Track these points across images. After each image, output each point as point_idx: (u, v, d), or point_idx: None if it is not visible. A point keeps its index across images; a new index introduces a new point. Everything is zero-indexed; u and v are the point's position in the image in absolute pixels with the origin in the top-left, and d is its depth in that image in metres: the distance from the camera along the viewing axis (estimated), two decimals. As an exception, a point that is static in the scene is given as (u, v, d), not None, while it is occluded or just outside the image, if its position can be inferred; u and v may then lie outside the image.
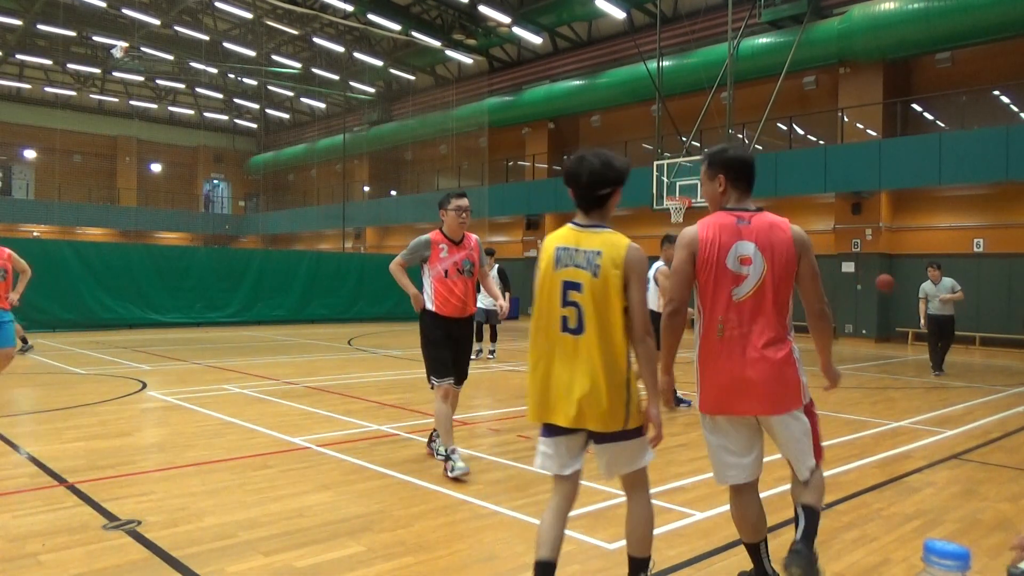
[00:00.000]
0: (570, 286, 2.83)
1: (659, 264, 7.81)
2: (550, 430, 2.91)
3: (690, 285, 3.09)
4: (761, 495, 4.61)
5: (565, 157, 28.95)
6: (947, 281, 11.74)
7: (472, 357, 12.06)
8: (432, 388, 5.25)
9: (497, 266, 12.55)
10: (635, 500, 3.01)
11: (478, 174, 31.01)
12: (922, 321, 11.82)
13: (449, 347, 5.24)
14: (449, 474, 4.93)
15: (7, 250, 7.18)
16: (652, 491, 4.75)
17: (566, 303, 2.83)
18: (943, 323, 11.72)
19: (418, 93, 34.48)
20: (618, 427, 2.84)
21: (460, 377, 5.36)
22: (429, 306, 5.24)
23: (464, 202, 5.43)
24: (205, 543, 3.69)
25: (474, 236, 5.53)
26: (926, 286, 11.82)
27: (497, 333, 13.26)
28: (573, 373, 2.79)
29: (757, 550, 3.15)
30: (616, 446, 2.93)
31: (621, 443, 2.91)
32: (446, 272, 5.27)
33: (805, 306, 3.13)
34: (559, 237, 2.92)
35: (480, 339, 12.87)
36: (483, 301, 12.16)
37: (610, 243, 2.81)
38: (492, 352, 13.03)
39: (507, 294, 12.25)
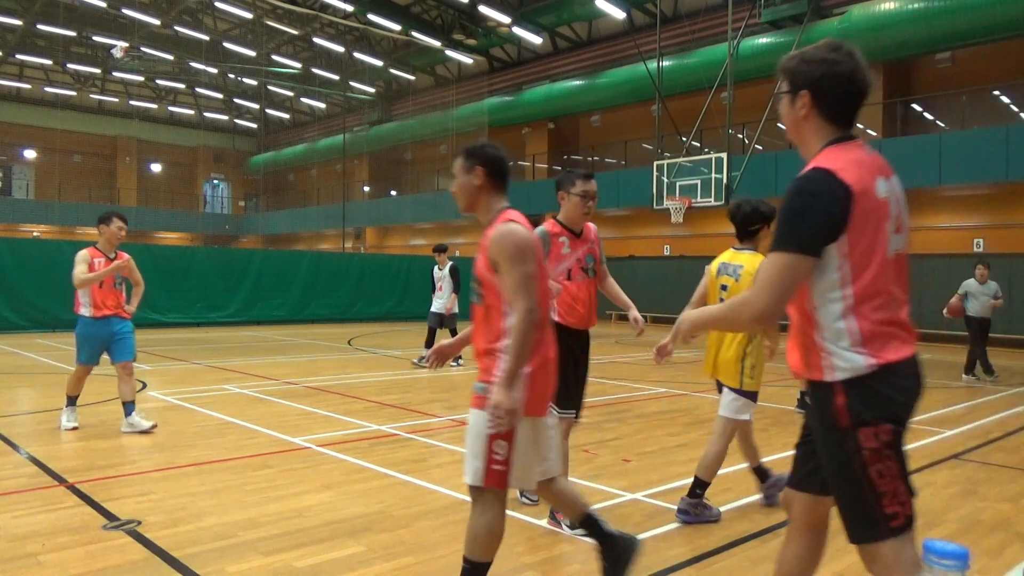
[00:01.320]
0: (723, 287, 4.39)
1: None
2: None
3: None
4: (761, 495, 4.64)
5: (565, 157, 29.04)
6: (993, 284, 11.21)
7: (414, 362, 11.69)
8: None
9: (450, 263, 11.70)
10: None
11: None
12: (945, 311, 11.08)
13: (572, 368, 4.06)
14: (565, 530, 3.98)
15: (127, 255, 6.53)
16: (651, 491, 4.77)
17: (720, 299, 4.34)
18: (986, 326, 11.21)
19: (418, 93, 34.49)
20: (734, 385, 4.28)
21: (580, 408, 4.23)
22: (554, 316, 3.99)
23: (592, 186, 4.16)
24: (205, 543, 3.69)
25: (593, 225, 4.33)
26: (970, 283, 11.22)
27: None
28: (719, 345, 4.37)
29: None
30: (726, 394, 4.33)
31: (729, 393, 4.30)
32: (569, 273, 4.14)
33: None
34: (723, 255, 4.48)
35: (429, 345, 11.66)
36: (436, 304, 11.72)
37: (749, 260, 4.32)
38: (458, 359, 11.72)
39: (454, 295, 11.57)
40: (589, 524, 3.03)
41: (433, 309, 11.77)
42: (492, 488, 2.74)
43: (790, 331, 2.23)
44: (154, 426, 6.36)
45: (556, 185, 4.22)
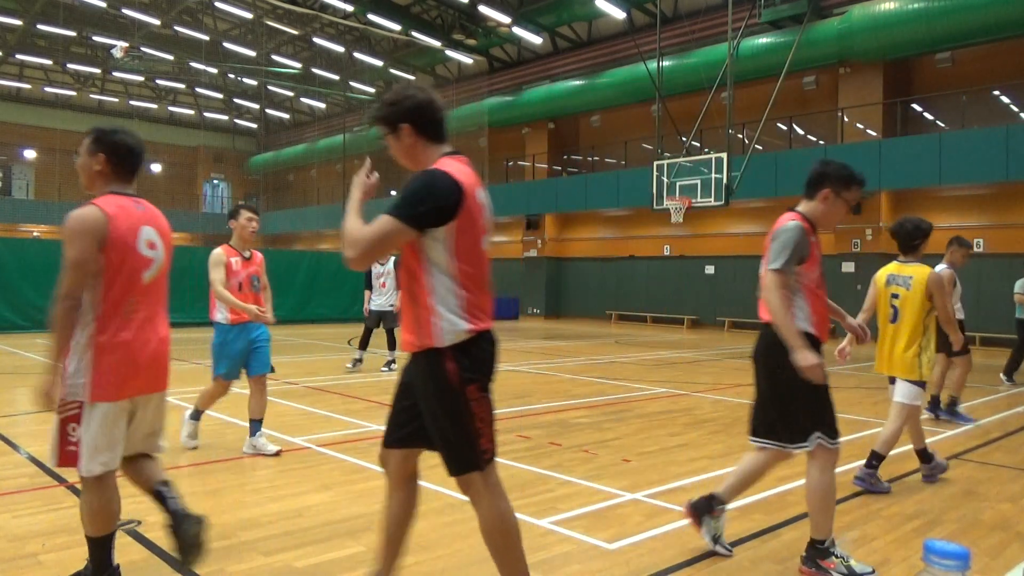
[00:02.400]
0: (894, 296, 5.02)
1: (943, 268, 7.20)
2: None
3: None
4: (760, 495, 4.64)
5: (565, 157, 29.03)
6: None
7: (348, 367, 11.15)
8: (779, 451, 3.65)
9: (394, 257, 10.77)
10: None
11: (478, 174, 30.99)
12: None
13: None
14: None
15: (260, 256, 5.86)
16: (651, 491, 4.77)
17: (892, 306, 5.06)
18: None
19: (418, 93, 34.46)
20: (914, 377, 4.96)
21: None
22: (807, 327, 3.47)
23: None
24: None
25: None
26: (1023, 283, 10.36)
27: (396, 340, 10.90)
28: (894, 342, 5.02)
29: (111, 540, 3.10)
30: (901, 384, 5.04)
31: (906, 384, 5.01)
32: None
33: None
34: (889, 267, 5.17)
35: (364, 347, 11.19)
36: (376, 301, 10.97)
37: (917, 271, 4.93)
38: (391, 363, 11.05)
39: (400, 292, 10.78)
40: (158, 498, 3.14)
41: (373, 307, 11.04)
42: (67, 467, 2.93)
43: (403, 312, 2.66)
44: (279, 452, 5.60)
45: (838, 180, 3.52)
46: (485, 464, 2.60)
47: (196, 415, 5.80)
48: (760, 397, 3.62)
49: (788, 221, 3.51)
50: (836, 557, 3.41)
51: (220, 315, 5.62)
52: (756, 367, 3.64)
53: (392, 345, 11.01)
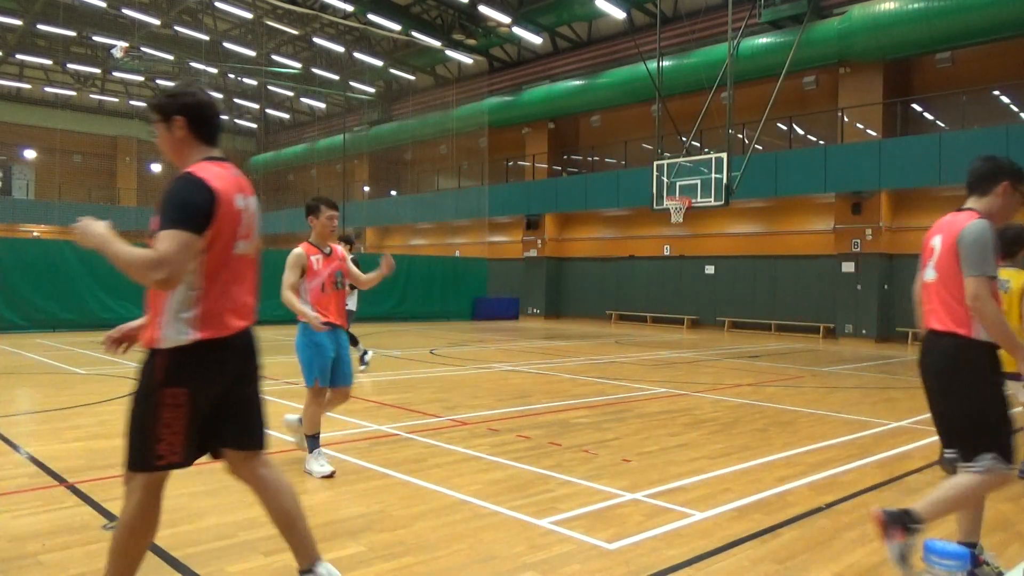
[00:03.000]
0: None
1: None
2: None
3: None
4: (760, 495, 4.64)
5: (565, 157, 29.04)
6: None
7: (360, 368, 10.47)
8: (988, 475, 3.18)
9: (352, 256, 10.97)
10: None
11: (478, 174, 31.03)
12: None
13: None
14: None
15: (341, 250, 5.44)
16: (651, 491, 4.78)
17: None
18: None
19: (418, 93, 34.49)
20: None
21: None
22: (984, 336, 3.21)
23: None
24: (205, 543, 3.69)
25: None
26: None
27: (356, 338, 10.64)
28: None
29: None
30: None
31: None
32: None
33: None
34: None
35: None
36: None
37: (1015, 275, 4.98)
38: (363, 358, 10.76)
39: (354, 292, 10.23)
40: None
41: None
42: None
43: (146, 309, 2.67)
44: (332, 473, 5.02)
45: (1008, 175, 3.39)
46: (155, 468, 2.60)
47: (315, 441, 5.15)
48: (950, 417, 3.33)
49: (971, 221, 3.22)
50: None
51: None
52: (938, 384, 3.32)
53: (354, 342, 10.55)
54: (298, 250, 5.20)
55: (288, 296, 5.07)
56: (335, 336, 5.19)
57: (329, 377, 5.14)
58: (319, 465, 5.03)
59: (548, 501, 4.49)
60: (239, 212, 2.67)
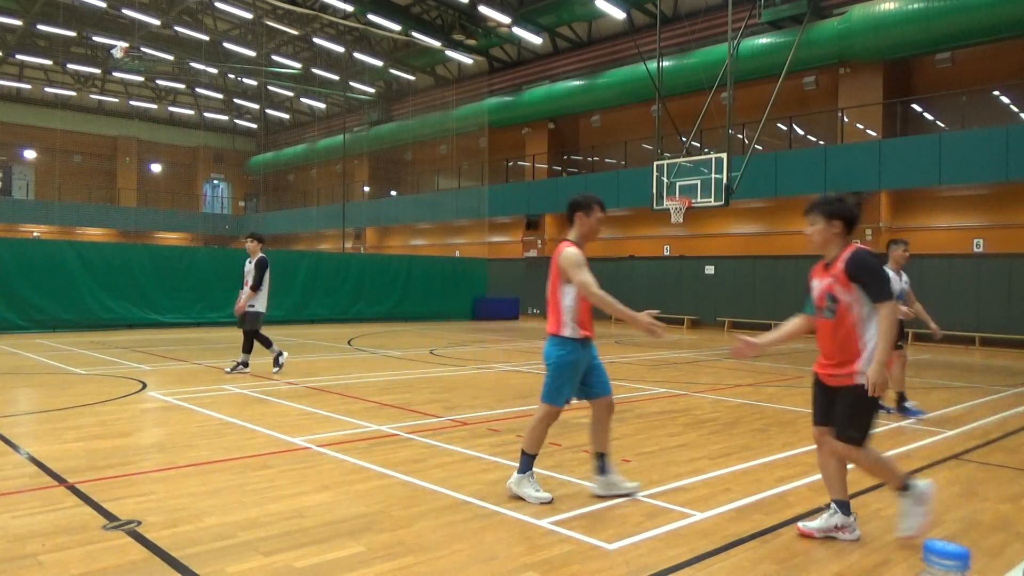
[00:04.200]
0: None
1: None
2: None
3: None
4: (761, 495, 4.64)
5: (565, 157, 29.04)
6: None
7: (226, 371, 10.17)
8: None
9: (260, 255, 10.03)
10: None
11: (478, 174, 31.04)
12: None
13: None
14: None
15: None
16: (651, 491, 4.77)
17: None
18: None
19: (418, 93, 34.51)
20: None
21: None
22: None
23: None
24: (205, 543, 3.69)
25: None
26: None
27: (252, 344, 10.28)
28: None
29: None
30: None
31: None
32: None
33: None
34: None
35: (248, 351, 10.31)
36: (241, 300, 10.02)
37: None
38: (243, 364, 10.25)
39: (252, 292, 9.82)
40: None
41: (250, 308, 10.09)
42: None
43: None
44: (636, 488, 4.64)
45: None
46: None
47: (530, 461, 4.56)
48: None
49: None
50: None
51: (569, 330, 4.44)
52: None
53: (248, 348, 10.27)
54: (576, 252, 4.49)
55: (605, 297, 4.39)
56: (591, 347, 4.59)
57: (581, 391, 4.63)
58: (537, 491, 4.48)
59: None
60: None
